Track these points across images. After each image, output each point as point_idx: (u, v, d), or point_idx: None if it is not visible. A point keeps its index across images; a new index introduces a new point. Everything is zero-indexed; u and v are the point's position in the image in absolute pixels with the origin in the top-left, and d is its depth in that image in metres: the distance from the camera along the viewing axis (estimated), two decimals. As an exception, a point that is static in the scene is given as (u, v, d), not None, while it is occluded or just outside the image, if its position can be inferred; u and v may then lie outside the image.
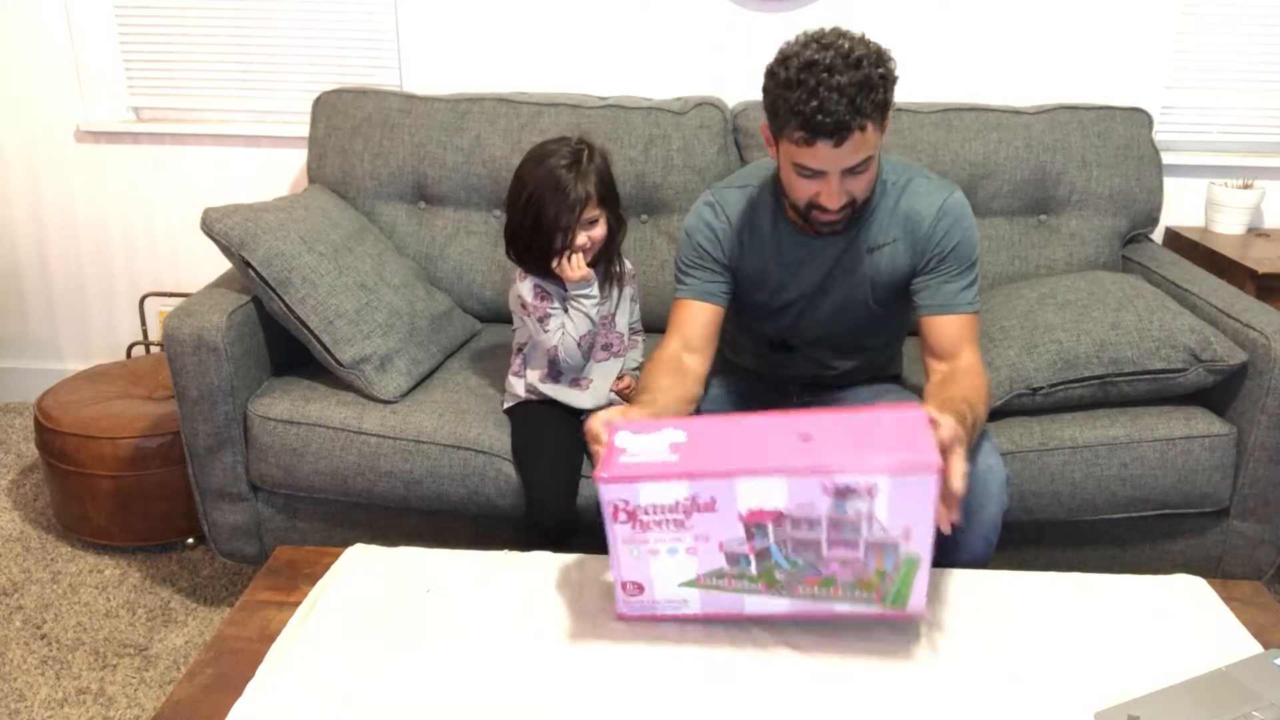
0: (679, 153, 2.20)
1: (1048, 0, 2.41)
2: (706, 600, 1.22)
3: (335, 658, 1.20)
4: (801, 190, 1.45)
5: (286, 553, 1.44)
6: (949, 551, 1.52)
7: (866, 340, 1.71)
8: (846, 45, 1.33)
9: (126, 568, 2.14)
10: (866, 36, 1.37)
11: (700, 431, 1.18)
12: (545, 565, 1.39)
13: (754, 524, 1.13)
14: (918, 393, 1.69)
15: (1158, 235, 2.52)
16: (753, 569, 1.17)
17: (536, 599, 1.31)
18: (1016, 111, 2.25)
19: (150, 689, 1.78)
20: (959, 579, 1.38)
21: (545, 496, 1.67)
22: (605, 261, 1.79)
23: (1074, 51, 2.44)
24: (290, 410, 1.81)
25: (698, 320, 1.61)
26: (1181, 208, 2.55)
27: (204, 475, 1.86)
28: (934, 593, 1.34)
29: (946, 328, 1.54)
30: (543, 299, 1.75)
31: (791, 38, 1.38)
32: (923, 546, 1.13)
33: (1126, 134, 2.24)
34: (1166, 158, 2.37)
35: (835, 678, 1.17)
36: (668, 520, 1.14)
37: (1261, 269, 2.16)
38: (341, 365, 1.84)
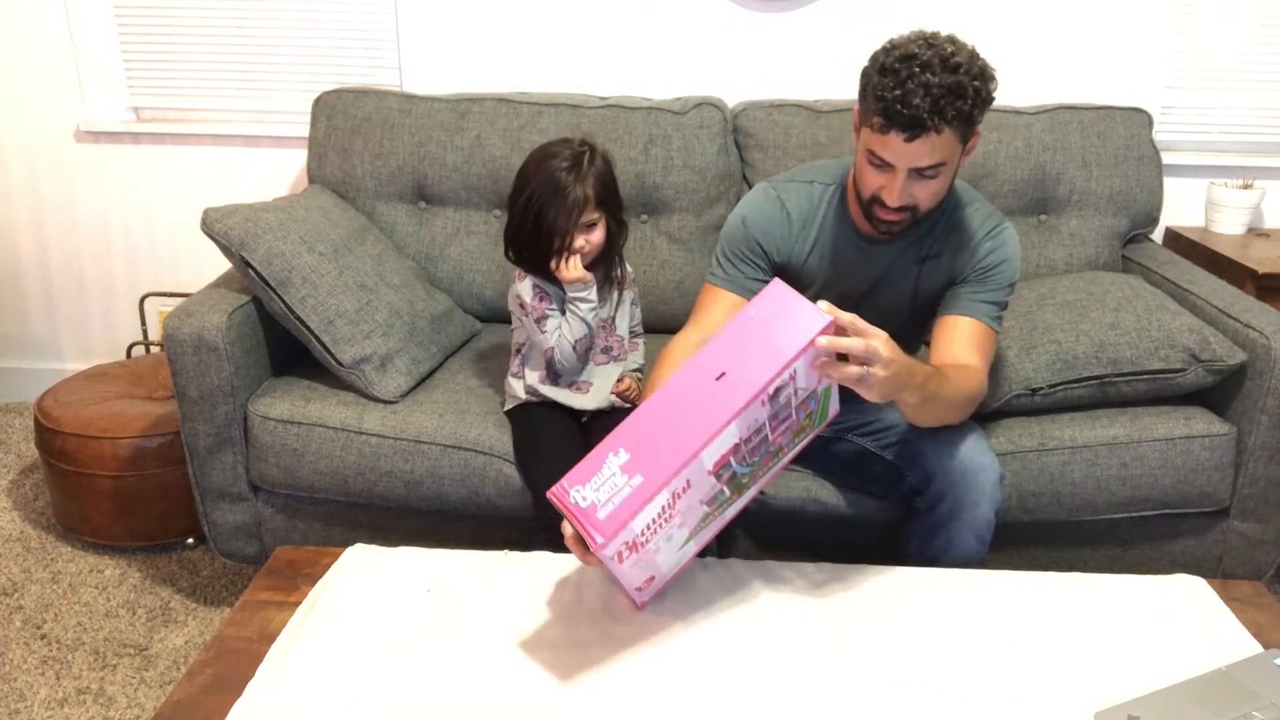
0: (679, 153, 2.20)
1: (1048, 0, 2.41)
2: (700, 539, 1.27)
3: (335, 658, 1.20)
4: (868, 180, 1.45)
5: (286, 553, 1.44)
6: (941, 550, 1.52)
7: None
8: (950, 49, 1.33)
9: (126, 568, 2.14)
10: (977, 50, 1.37)
11: (634, 437, 1.15)
12: (545, 565, 1.39)
13: (720, 468, 1.17)
14: None
15: (1158, 235, 2.52)
16: (726, 493, 1.23)
17: (536, 599, 1.31)
18: (1016, 111, 2.24)
19: (150, 689, 1.78)
20: (958, 579, 1.38)
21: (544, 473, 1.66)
22: (605, 265, 1.78)
23: (1074, 51, 2.44)
24: (290, 410, 1.81)
25: (724, 313, 1.60)
26: (1181, 208, 2.55)
27: (204, 475, 1.86)
28: (934, 593, 1.34)
29: (958, 327, 1.53)
30: (541, 299, 1.75)
31: (907, 32, 1.40)
32: (821, 383, 1.22)
33: (1126, 134, 2.24)
34: (1166, 158, 2.37)
35: (835, 677, 1.17)
36: (661, 523, 1.16)
37: (1261, 269, 2.16)
38: (342, 365, 1.84)
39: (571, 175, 1.67)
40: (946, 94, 1.31)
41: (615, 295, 1.81)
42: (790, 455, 1.30)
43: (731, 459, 1.17)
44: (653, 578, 1.25)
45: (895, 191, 1.41)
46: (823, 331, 1.14)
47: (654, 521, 1.15)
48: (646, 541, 1.17)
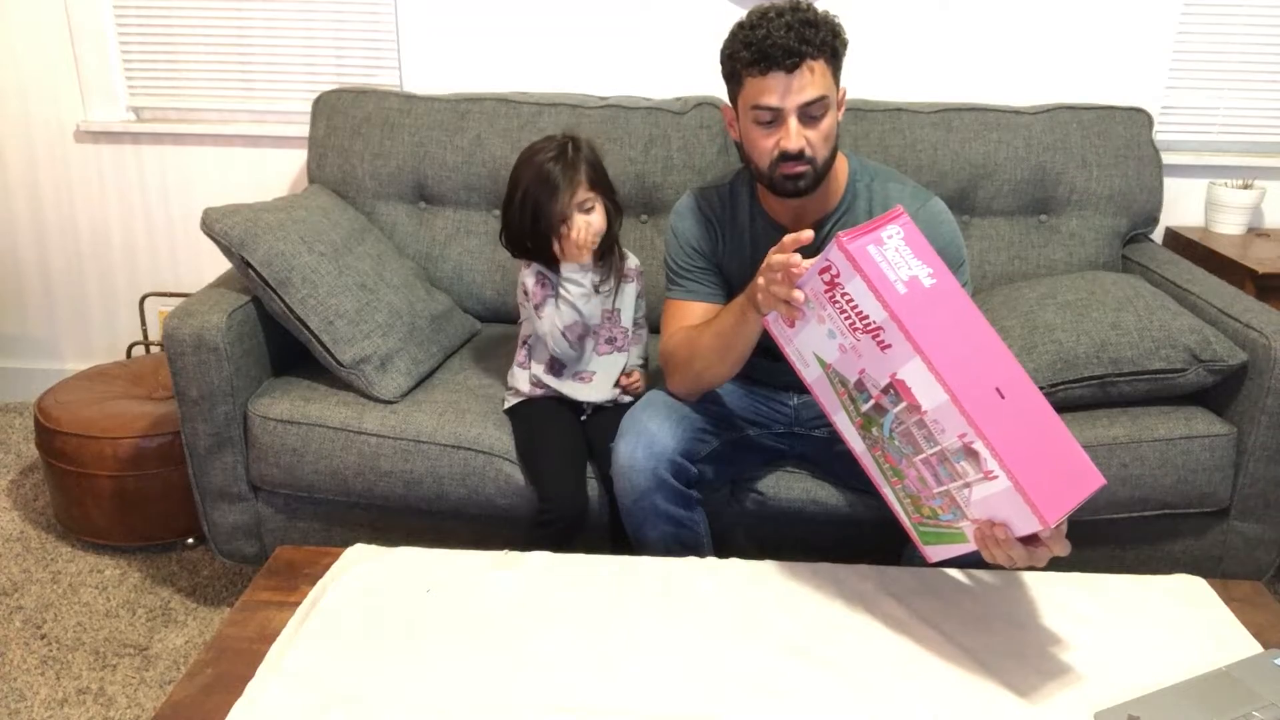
0: (679, 153, 2.20)
1: (1048, 0, 2.41)
2: (820, 383, 1.30)
3: (335, 658, 1.20)
4: (763, 146, 1.49)
5: (286, 553, 1.44)
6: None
7: None
8: (795, 2, 1.46)
9: (126, 568, 2.14)
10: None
11: (945, 295, 1.16)
12: (545, 565, 1.39)
13: (896, 390, 1.18)
14: None
15: (1158, 235, 2.51)
16: (864, 407, 1.24)
17: (536, 599, 1.32)
18: (1016, 111, 2.24)
19: (150, 689, 1.78)
20: (958, 579, 1.38)
21: (557, 492, 1.68)
22: (605, 252, 1.81)
23: (1074, 51, 2.44)
24: (290, 410, 1.81)
25: (699, 315, 1.63)
26: (1181, 208, 2.54)
27: (204, 475, 1.86)
28: (934, 593, 1.34)
29: None
30: (543, 286, 1.78)
31: None
32: (975, 539, 1.21)
33: (1126, 134, 2.24)
34: (1166, 158, 2.37)
35: (835, 677, 1.17)
36: (852, 316, 1.18)
37: (1261, 269, 2.16)
38: (342, 365, 1.84)
39: (559, 164, 1.72)
40: (806, 25, 1.42)
41: (614, 283, 1.83)
42: (886, 495, 1.31)
43: (904, 404, 1.17)
44: (793, 324, 1.28)
45: (792, 132, 1.45)
46: (1032, 509, 1.12)
47: (852, 307, 1.18)
48: (835, 301, 1.19)
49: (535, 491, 1.73)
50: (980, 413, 1.11)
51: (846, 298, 1.18)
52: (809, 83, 1.43)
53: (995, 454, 1.10)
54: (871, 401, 1.22)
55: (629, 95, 2.32)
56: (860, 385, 1.22)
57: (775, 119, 1.46)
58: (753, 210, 1.65)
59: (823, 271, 1.19)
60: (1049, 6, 2.41)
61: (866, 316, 1.16)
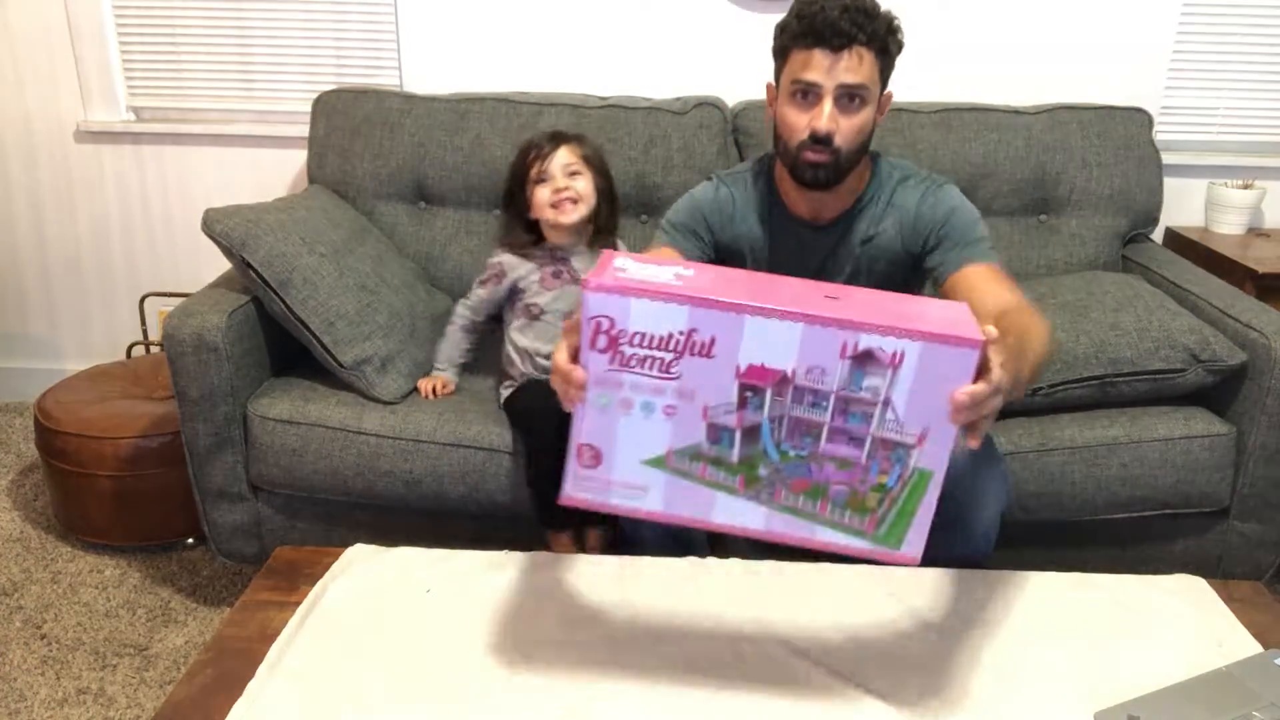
0: (679, 153, 2.20)
1: (1048, 0, 2.41)
2: (671, 492, 1.03)
3: (335, 658, 1.20)
4: (795, 123, 1.45)
5: (286, 553, 1.44)
6: (946, 548, 1.51)
7: None
8: None
9: (126, 568, 2.14)
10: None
11: (711, 272, 1.02)
12: (545, 565, 1.39)
13: (751, 386, 0.98)
14: None
15: (1158, 235, 2.52)
16: (734, 453, 1.01)
17: (537, 599, 1.32)
18: (1016, 111, 2.24)
19: (150, 689, 1.78)
20: (958, 579, 1.38)
21: (546, 446, 1.67)
22: (596, 232, 1.89)
23: (1074, 51, 2.44)
24: (290, 410, 1.81)
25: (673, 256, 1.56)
26: (1181, 208, 2.55)
27: (204, 475, 1.86)
28: (935, 592, 1.34)
29: (968, 279, 1.47)
30: (557, 276, 1.86)
31: None
32: (936, 462, 0.97)
33: (1126, 134, 2.24)
34: (1166, 158, 2.37)
35: (835, 677, 1.17)
36: (654, 359, 0.98)
37: (1261, 269, 2.16)
38: (343, 366, 1.84)
39: (549, 132, 1.88)
40: (862, 12, 1.39)
41: None
42: (825, 538, 1.03)
43: (769, 392, 0.97)
44: (599, 456, 1.04)
45: (824, 114, 1.41)
46: (963, 344, 0.93)
47: (651, 343, 0.97)
48: (628, 362, 0.98)
49: (526, 446, 1.74)
50: (839, 310, 0.94)
51: (635, 339, 0.97)
52: (854, 67, 1.40)
53: (882, 328, 0.93)
54: (735, 433, 1.00)
55: (629, 95, 2.32)
56: (713, 431, 1.00)
57: (812, 96, 1.43)
58: (770, 200, 1.61)
59: (595, 336, 0.98)
60: (1049, 6, 2.41)
61: (669, 337, 0.96)
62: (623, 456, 1.03)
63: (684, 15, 2.45)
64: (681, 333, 0.96)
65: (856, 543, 1.03)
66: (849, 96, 1.42)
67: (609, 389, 1.00)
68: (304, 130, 2.37)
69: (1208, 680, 1.15)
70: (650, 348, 0.97)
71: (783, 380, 0.97)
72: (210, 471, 1.85)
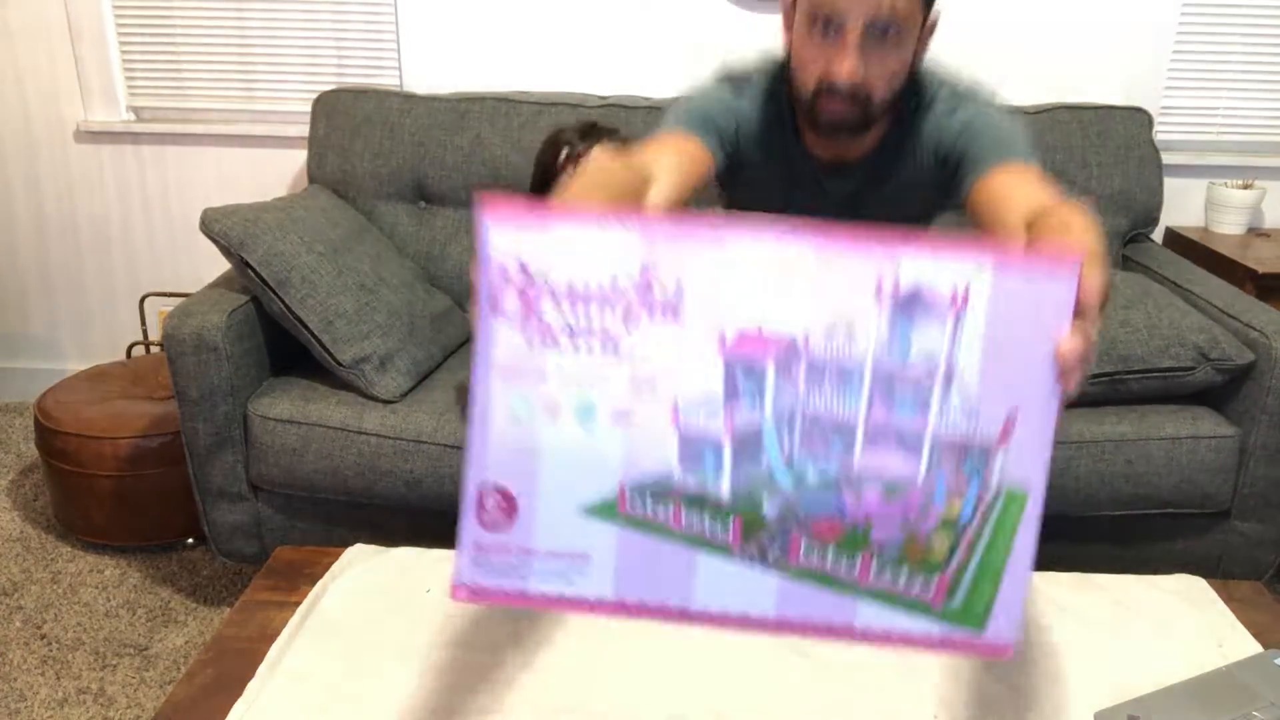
0: (679, 153, 2.20)
1: (1048, 0, 2.41)
2: (627, 562, 0.66)
3: (335, 658, 1.20)
4: (809, 64, 1.16)
5: (286, 553, 1.44)
6: None
7: None
8: None
9: (126, 568, 2.14)
10: None
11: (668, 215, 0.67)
12: (545, 565, 1.39)
13: (744, 360, 0.63)
14: None
15: (1158, 235, 2.52)
16: (724, 484, 0.65)
17: (536, 599, 1.31)
18: (1016, 111, 2.24)
19: (150, 689, 1.78)
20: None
21: None
22: None
23: (1074, 51, 2.44)
24: (290, 410, 1.81)
25: (669, 146, 1.20)
26: (1181, 208, 2.55)
27: (204, 475, 1.86)
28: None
29: (993, 186, 1.14)
30: None
31: None
32: (1031, 473, 0.63)
33: (1126, 134, 2.24)
34: (1166, 158, 2.37)
35: (835, 677, 1.17)
36: (591, 328, 0.63)
37: (1261, 269, 2.16)
38: (341, 365, 1.84)
39: (579, 134, 1.80)
40: None
41: None
42: (868, 620, 0.66)
43: (770, 366, 0.63)
44: (513, 505, 0.66)
45: (847, 56, 1.10)
46: (1056, 263, 0.61)
47: (587, 296, 0.63)
48: (550, 332, 0.63)
49: None
50: (864, 231, 0.62)
51: (562, 293, 0.63)
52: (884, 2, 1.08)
53: (933, 247, 0.61)
54: (723, 445, 0.65)
55: (629, 95, 2.32)
56: (688, 445, 0.65)
57: (833, 31, 1.11)
58: (781, 130, 1.29)
59: (499, 292, 0.63)
60: (1049, 6, 2.41)
61: (613, 287, 0.63)
62: (550, 503, 0.65)
63: (684, 15, 2.45)
64: (636, 277, 0.62)
65: (919, 626, 0.66)
66: (882, 30, 1.10)
67: (524, 383, 0.64)
68: (304, 130, 2.37)
69: (1208, 680, 1.15)
70: (587, 301, 0.63)
71: (790, 350, 0.63)
72: (210, 471, 1.85)
